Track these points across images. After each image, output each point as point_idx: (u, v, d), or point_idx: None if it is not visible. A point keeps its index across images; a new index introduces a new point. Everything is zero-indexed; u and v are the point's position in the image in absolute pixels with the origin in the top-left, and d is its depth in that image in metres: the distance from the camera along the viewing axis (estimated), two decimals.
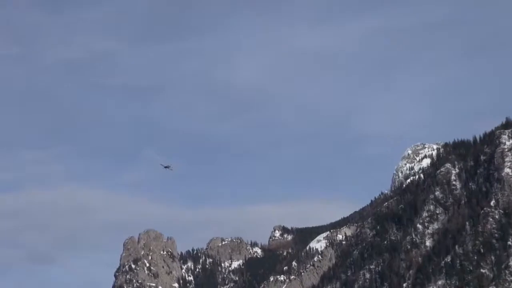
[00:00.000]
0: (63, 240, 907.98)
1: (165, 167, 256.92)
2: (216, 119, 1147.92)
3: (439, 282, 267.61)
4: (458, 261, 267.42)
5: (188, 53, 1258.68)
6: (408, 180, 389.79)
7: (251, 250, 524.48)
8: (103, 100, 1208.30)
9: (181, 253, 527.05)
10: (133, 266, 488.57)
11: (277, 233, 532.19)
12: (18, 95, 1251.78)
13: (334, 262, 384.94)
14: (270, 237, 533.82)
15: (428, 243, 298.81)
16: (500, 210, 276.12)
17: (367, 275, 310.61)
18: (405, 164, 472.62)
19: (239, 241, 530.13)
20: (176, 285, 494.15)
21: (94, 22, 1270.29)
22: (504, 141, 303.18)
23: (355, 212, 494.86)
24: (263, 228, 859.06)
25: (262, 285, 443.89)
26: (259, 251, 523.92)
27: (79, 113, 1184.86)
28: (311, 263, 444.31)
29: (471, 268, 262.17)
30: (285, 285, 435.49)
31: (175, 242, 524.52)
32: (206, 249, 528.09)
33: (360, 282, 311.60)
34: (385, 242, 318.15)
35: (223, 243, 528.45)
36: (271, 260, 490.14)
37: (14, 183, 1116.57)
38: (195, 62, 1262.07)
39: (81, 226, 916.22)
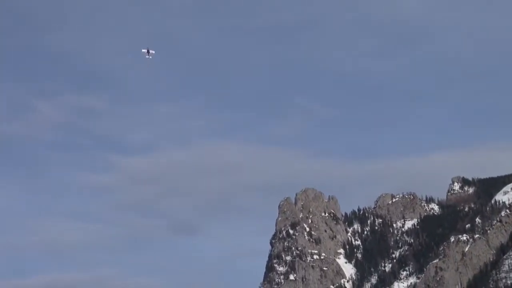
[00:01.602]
0: (208, 205, 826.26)
1: (147, 52, 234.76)
2: (377, 57, 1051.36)
3: None
4: None
5: None
6: None
7: (426, 207, 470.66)
8: (243, 43, 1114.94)
9: (346, 214, 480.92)
10: (291, 231, 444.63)
11: (456, 186, 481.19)
12: (145, 39, 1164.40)
13: None
14: (448, 191, 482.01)
15: None
16: None
17: None
18: None
19: (412, 197, 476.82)
20: (341, 251, 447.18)
21: None
22: None
23: None
24: (440, 180, 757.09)
25: (442, 247, 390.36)
26: (436, 207, 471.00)
27: (216, 59, 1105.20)
28: (498, 218, 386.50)
29: None
30: (468, 246, 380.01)
31: (337, 201, 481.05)
32: (374, 208, 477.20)
33: None
34: None
35: (394, 200, 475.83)
36: (450, 218, 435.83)
37: (148, 143, 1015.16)
38: None
39: (227, 188, 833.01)
